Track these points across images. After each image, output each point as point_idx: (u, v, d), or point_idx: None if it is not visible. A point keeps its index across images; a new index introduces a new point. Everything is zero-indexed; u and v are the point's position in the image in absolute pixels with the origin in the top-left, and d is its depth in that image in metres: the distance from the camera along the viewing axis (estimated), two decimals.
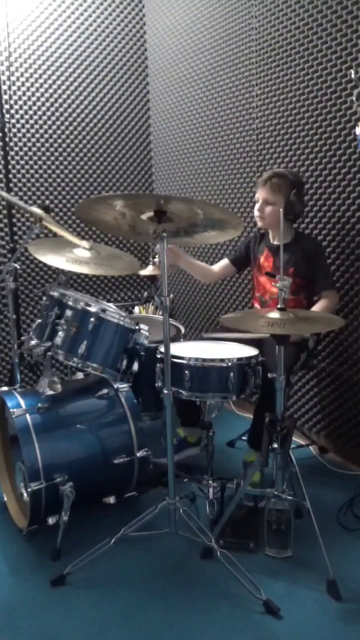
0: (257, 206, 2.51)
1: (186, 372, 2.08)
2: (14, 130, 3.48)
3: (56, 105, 3.61)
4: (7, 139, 3.36)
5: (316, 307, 2.44)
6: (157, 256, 2.58)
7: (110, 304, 2.34)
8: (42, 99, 3.56)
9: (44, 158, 3.60)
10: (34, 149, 3.57)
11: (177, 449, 2.63)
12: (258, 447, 2.22)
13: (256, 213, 2.53)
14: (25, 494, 2.09)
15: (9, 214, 3.38)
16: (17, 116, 3.49)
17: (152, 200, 1.86)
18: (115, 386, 2.26)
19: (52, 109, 3.60)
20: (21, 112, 3.50)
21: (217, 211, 1.96)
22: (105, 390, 2.22)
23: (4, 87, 3.38)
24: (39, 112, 3.56)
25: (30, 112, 3.53)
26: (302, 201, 2.49)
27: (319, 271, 2.46)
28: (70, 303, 2.15)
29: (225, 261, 2.79)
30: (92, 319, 2.12)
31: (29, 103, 3.52)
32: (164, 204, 1.83)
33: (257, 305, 2.69)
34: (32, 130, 3.55)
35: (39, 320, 2.24)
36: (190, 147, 3.57)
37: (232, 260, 2.77)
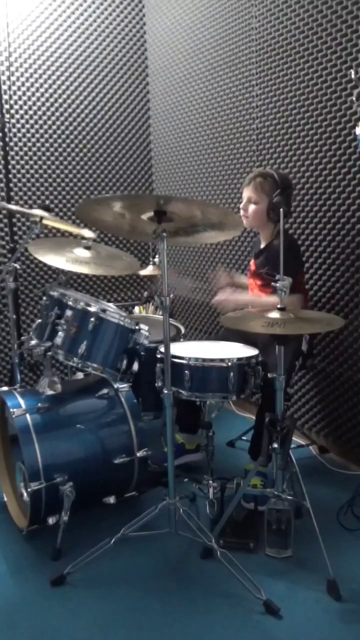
0: (242, 204, 2.51)
1: (186, 372, 2.08)
2: (14, 130, 3.48)
3: (56, 105, 3.61)
4: (7, 139, 3.37)
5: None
6: (157, 256, 2.58)
7: (110, 304, 2.34)
8: (42, 99, 3.56)
9: (44, 158, 3.60)
10: (34, 149, 3.57)
11: (175, 455, 2.61)
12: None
13: (241, 212, 2.52)
14: (25, 494, 2.09)
15: (9, 214, 3.38)
16: (17, 116, 3.49)
17: (152, 201, 1.87)
18: (115, 386, 2.25)
19: (52, 109, 3.60)
20: (21, 112, 3.50)
21: (217, 211, 1.96)
22: (105, 390, 2.22)
23: (4, 87, 3.38)
24: (39, 112, 3.56)
25: (30, 112, 3.53)
26: (288, 202, 2.46)
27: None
28: (70, 303, 2.15)
29: None
30: (92, 319, 2.12)
31: (29, 103, 3.52)
32: (164, 204, 1.83)
33: None
34: (32, 130, 3.55)
35: (39, 320, 2.24)
36: (190, 147, 3.57)
37: None
